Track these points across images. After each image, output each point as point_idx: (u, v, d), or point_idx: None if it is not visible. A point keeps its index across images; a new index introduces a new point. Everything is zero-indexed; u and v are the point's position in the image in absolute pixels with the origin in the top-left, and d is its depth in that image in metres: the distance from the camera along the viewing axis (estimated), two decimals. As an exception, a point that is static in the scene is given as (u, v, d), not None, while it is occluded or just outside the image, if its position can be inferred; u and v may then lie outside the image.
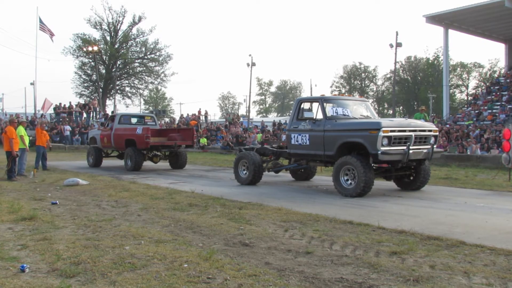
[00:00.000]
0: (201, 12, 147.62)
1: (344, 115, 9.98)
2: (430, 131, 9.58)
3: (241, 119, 43.44)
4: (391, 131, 8.77)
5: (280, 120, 42.39)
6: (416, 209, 7.70)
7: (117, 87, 53.60)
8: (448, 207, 7.82)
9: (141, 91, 58.64)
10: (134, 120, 17.93)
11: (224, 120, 43.80)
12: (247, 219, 6.65)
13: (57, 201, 8.39)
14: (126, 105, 55.41)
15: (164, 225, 6.35)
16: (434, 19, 32.78)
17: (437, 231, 5.78)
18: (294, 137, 10.43)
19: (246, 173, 11.44)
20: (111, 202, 8.42)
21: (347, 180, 9.16)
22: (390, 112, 59.07)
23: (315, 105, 10.29)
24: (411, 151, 8.84)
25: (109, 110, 45.13)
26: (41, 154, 15.17)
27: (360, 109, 10.52)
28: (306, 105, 10.66)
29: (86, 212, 7.40)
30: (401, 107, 74.24)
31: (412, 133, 9.09)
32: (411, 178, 10.19)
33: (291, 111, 11.13)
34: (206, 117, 41.72)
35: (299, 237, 5.59)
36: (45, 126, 18.88)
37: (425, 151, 9.24)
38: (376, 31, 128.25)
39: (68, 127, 31.01)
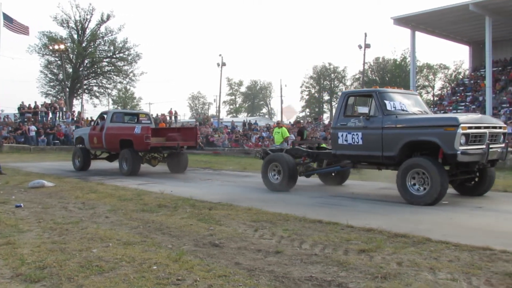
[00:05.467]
0: (171, 12, 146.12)
1: (402, 110, 8.79)
2: (500, 128, 8.52)
3: (212, 120, 43.29)
4: (469, 127, 7.71)
5: (250, 120, 42.41)
6: (384, 207, 7.85)
7: (85, 87, 52.46)
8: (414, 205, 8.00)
9: (109, 91, 57.56)
10: (127, 118, 16.26)
11: (194, 120, 43.51)
12: (217, 220, 6.62)
13: (22, 204, 8.14)
14: (94, 105, 54.28)
15: (133, 226, 6.25)
16: (402, 21, 33.40)
17: (404, 228, 5.89)
18: (342, 136, 9.15)
19: (277, 178, 10.17)
20: (78, 204, 8.23)
21: (414, 185, 8.02)
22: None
23: (364, 100, 9.27)
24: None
25: (76, 110, 44.19)
26: None
27: (414, 103, 9.36)
28: (352, 100, 9.40)
29: (52, 214, 7.21)
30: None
31: (487, 130, 8.07)
32: (473, 182, 9.09)
33: (336, 106, 9.85)
34: (175, 117, 41.32)
35: (269, 236, 5.61)
36: None
37: (499, 150, 8.31)
38: (346, 32, 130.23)
39: (33, 128, 30.15)
